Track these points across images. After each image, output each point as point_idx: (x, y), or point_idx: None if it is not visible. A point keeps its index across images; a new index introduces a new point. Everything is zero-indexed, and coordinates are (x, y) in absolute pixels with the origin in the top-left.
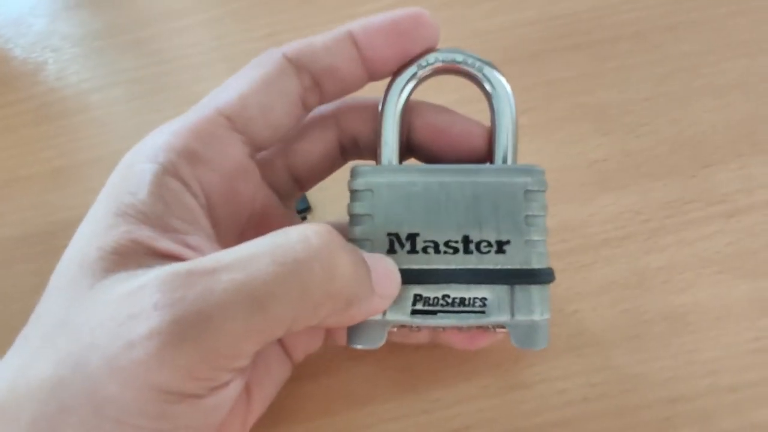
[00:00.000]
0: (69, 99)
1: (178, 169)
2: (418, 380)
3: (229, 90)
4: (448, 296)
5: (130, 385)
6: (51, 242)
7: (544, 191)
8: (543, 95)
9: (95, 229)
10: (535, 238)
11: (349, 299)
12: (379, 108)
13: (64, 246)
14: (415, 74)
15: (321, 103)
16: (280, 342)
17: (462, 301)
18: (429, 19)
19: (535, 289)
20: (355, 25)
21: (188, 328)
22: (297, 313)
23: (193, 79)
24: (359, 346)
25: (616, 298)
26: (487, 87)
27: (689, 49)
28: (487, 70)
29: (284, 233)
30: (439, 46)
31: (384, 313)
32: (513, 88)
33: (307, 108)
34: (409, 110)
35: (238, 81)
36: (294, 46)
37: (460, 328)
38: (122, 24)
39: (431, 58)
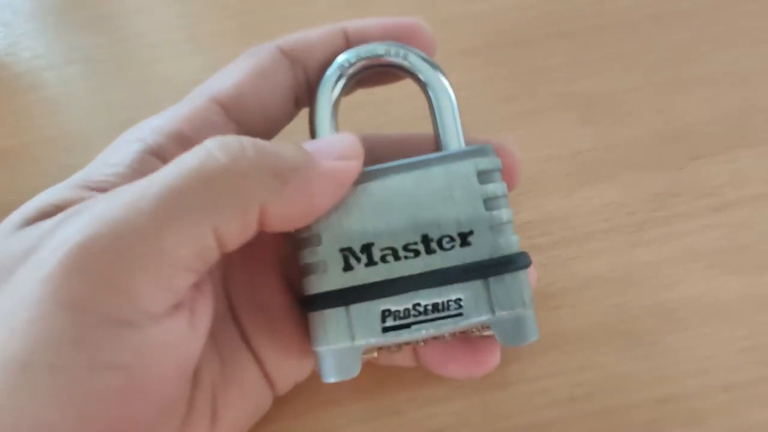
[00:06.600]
0: (20, 76)
1: (165, 150)
2: (388, 380)
3: (224, 79)
4: (419, 304)
5: (37, 306)
6: None
7: (499, 170)
8: (527, 83)
9: (44, 194)
10: (500, 222)
11: (277, 170)
12: (311, 117)
13: None
14: (340, 76)
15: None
16: (260, 364)
17: (435, 306)
18: (425, 32)
19: (510, 278)
20: (351, 23)
21: (99, 237)
22: (206, 204)
23: (155, 58)
24: (332, 379)
25: (601, 294)
26: (419, 76)
27: (678, 39)
28: (413, 59)
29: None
30: (423, 34)
31: (353, 338)
32: (497, 75)
33: (297, 105)
34: None
35: (232, 70)
36: (288, 39)
37: (441, 339)
38: None
39: (352, 56)
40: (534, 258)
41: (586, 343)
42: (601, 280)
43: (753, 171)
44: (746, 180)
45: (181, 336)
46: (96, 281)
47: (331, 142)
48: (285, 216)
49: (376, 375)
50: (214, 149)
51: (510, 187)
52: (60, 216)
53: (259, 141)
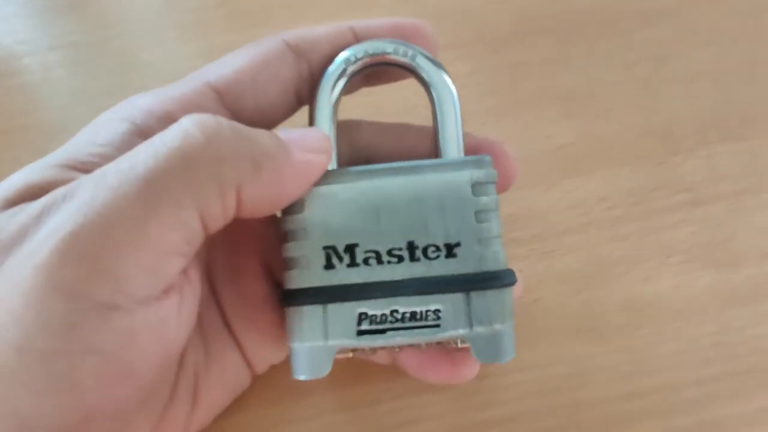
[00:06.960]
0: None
1: (155, 132)
2: (361, 371)
3: (222, 65)
4: (397, 311)
5: (31, 293)
6: None
7: (494, 183)
8: (509, 77)
9: (25, 173)
10: (489, 236)
11: (253, 154)
12: (310, 112)
13: None
14: (344, 71)
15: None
16: (240, 349)
17: (413, 315)
18: (429, 32)
19: (493, 295)
20: (358, 22)
21: (88, 227)
22: (188, 186)
23: (140, 45)
24: (302, 377)
25: (576, 288)
26: (425, 77)
27: (658, 36)
28: (420, 59)
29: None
30: (428, 35)
31: (326, 338)
32: (480, 69)
33: (299, 100)
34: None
35: (232, 58)
36: (294, 33)
37: (417, 347)
38: None
39: (359, 51)
40: (513, 251)
41: (558, 337)
42: (577, 273)
43: (730, 167)
44: (723, 176)
45: (169, 321)
46: (88, 268)
47: (304, 134)
48: (256, 202)
49: (350, 366)
50: (190, 128)
51: (499, 190)
52: (45, 200)
53: (235, 123)
